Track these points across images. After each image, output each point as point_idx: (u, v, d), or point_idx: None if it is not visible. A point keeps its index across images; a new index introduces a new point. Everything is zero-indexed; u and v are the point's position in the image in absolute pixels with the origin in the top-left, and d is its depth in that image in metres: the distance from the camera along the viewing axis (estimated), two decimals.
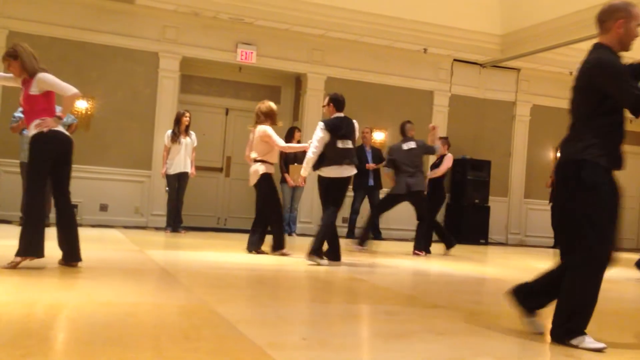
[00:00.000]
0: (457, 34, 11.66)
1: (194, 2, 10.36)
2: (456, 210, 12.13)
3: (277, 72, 11.53)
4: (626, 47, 3.50)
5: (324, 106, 7.04)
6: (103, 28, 10.27)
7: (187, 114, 9.67)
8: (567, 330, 3.30)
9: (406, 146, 8.45)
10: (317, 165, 6.74)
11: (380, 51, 11.79)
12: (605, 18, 3.47)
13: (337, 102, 6.81)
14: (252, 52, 11.01)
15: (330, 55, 11.57)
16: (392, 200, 8.64)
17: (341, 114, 6.81)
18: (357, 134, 6.94)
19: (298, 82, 11.90)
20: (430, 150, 8.68)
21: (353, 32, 11.24)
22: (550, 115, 12.73)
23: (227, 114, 11.51)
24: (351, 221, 11.11)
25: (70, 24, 10.14)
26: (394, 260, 7.78)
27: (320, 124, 6.73)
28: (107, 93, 10.42)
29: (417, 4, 11.13)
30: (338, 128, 6.65)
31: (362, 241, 8.43)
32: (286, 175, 10.60)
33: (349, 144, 6.70)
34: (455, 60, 12.40)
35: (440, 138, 9.14)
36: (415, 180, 8.31)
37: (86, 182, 10.18)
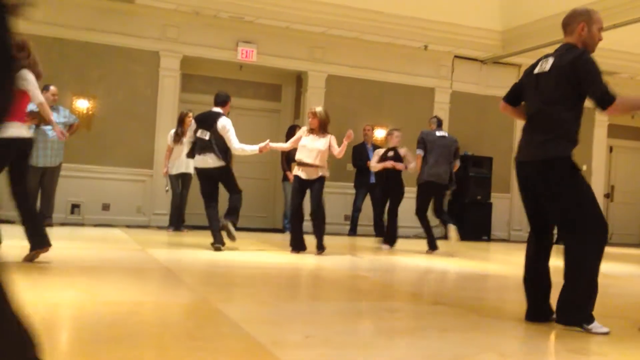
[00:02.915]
0: (458, 31, 11.65)
1: (194, 1, 10.35)
2: (458, 206, 12.12)
3: (278, 70, 11.52)
4: (589, 50, 3.70)
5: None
6: (104, 28, 10.27)
7: (191, 114, 9.65)
8: (588, 316, 3.47)
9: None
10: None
11: (380, 48, 11.78)
12: (569, 22, 3.75)
13: (215, 98, 7.57)
14: (252, 51, 11.00)
15: (330, 53, 11.56)
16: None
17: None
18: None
19: (299, 80, 11.90)
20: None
21: (353, 29, 11.23)
22: None
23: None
24: (353, 219, 11.12)
25: (71, 24, 10.14)
26: (397, 258, 7.78)
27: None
28: (108, 93, 10.42)
29: (417, 0, 11.12)
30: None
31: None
32: (288, 173, 10.61)
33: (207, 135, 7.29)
34: (456, 56, 12.39)
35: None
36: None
37: (88, 181, 10.19)
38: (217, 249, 7.04)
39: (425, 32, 11.51)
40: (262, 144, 7.37)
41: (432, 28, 11.47)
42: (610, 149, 14.25)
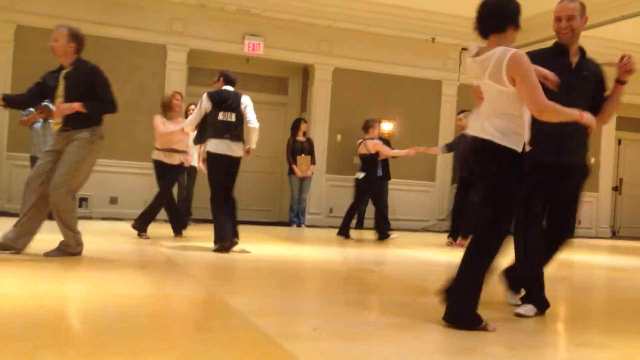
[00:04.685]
0: (465, 23, 11.45)
1: None
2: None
3: (285, 63, 11.51)
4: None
5: (213, 82, 7.04)
6: (110, 21, 10.28)
7: (191, 107, 9.62)
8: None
9: None
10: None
11: (387, 41, 11.74)
12: None
13: (227, 78, 6.87)
14: (259, 44, 10.99)
15: (337, 45, 11.54)
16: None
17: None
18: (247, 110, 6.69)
19: (305, 73, 11.88)
20: None
21: (360, 22, 11.20)
22: None
23: None
24: (360, 212, 11.10)
25: (77, 18, 10.11)
26: (403, 251, 7.78)
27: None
28: (116, 86, 10.20)
29: None
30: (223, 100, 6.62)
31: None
32: (294, 166, 10.61)
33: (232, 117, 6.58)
34: (463, 49, 12.31)
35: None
36: None
37: (95, 175, 10.11)
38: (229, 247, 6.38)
39: (432, 24, 11.46)
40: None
41: (439, 20, 11.42)
42: (619, 142, 14.17)
